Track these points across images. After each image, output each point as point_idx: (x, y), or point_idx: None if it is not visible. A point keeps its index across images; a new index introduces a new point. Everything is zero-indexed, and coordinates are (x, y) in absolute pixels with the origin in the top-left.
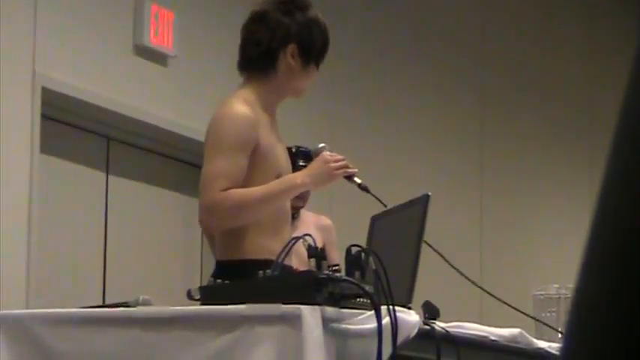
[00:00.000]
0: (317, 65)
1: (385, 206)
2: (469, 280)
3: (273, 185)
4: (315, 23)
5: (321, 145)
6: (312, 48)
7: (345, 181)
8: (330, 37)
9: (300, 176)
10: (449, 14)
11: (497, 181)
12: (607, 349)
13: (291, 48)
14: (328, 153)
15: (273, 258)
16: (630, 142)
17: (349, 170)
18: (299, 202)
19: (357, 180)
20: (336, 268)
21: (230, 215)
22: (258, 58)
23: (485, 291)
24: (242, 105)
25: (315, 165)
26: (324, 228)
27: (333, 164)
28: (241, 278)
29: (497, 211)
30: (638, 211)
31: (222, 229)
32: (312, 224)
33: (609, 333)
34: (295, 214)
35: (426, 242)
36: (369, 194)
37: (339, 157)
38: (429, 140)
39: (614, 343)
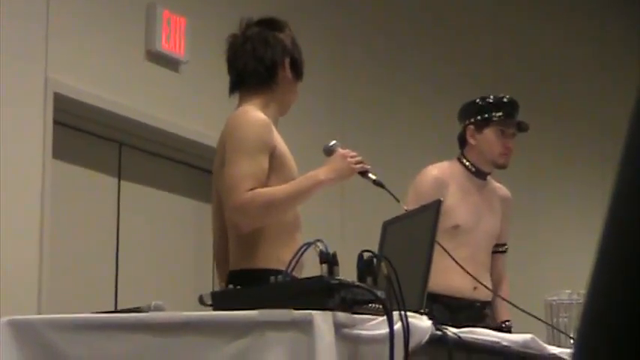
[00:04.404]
0: (300, 80)
1: (398, 201)
2: (481, 283)
3: (299, 182)
4: (296, 40)
5: (333, 142)
6: (299, 62)
7: (355, 187)
8: (344, 39)
9: (322, 172)
10: (463, 19)
11: (508, 187)
12: (618, 355)
13: (287, 62)
14: (344, 150)
15: (284, 268)
16: (637, 159)
17: (365, 166)
18: (491, 168)
19: (372, 176)
20: (505, 247)
21: (260, 213)
22: (262, 72)
23: (500, 297)
24: (257, 111)
25: (335, 160)
26: (504, 199)
27: (350, 159)
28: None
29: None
30: None
31: (252, 228)
32: (498, 194)
33: (620, 338)
34: (485, 177)
35: (437, 243)
36: (384, 190)
37: (354, 153)
38: (438, 146)
39: (625, 349)
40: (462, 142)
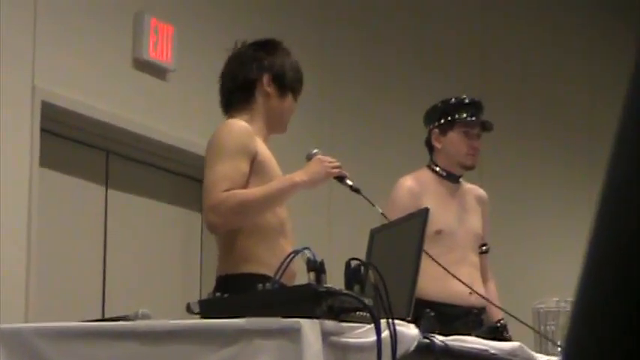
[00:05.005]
0: (294, 95)
1: (373, 205)
2: (475, 292)
3: (274, 184)
4: (285, 55)
5: (315, 150)
6: (285, 76)
7: (342, 195)
8: (333, 47)
9: (297, 175)
10: (450, 27)
11: (496, 194)
12: (607, 356)
13: (266, 77)
14: (322, 156)
15: (269, 273)
16: (628, 154)
17: (342, 171)
18: (461, 170)
19: (349, 182)
20: (486, 247)
21: (234, 213)
22: (238, 90)
23: (489, 302)
24: (240, 120)
25: (311, 164)
26: (482, 200)
27: (327, 164)
28: (240, 292)
29: (497, 224)
30: (634, 221)
31: (226, 229)
32: (472, 194)
33: (606, 345)
34: (457, 180)
35: (425, 252)
36: (360, 196)
37: (332, 159)
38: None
39: (615, 350)
40: (430, 147)
